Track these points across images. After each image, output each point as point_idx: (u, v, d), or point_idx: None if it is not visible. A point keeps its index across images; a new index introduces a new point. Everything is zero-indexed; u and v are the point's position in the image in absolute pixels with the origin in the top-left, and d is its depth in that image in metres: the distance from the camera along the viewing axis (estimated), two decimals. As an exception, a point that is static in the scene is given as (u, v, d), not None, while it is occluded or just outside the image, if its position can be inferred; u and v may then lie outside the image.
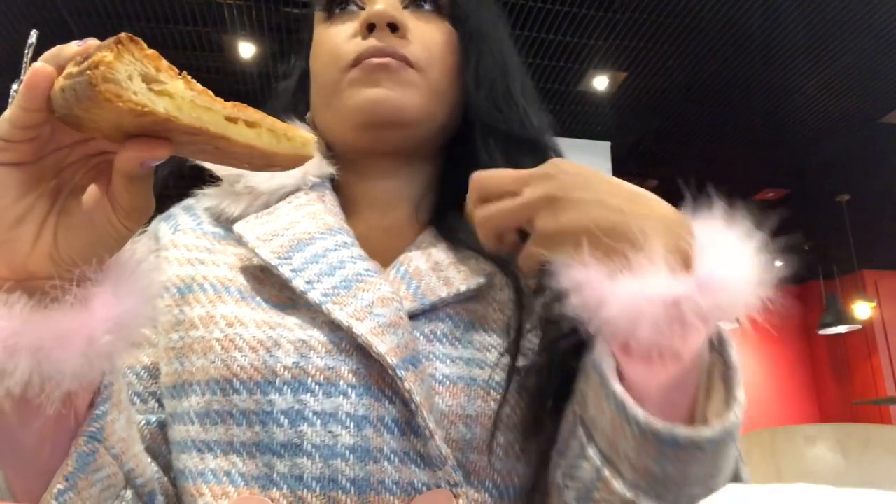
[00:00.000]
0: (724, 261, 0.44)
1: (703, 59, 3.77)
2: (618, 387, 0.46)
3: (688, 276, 0.43)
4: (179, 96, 0.37)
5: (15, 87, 0.45)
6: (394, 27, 0.65)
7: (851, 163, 5.05)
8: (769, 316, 0.44)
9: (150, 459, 0.61)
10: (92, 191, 0.43)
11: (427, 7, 0.69)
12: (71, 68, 0.37)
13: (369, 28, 0.65)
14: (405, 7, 0.69)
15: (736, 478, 0.51)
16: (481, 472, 0.56)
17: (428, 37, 0.68)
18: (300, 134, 0.44)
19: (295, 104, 0.76)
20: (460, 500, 0.53)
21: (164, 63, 0.38)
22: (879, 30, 3.52)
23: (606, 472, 0.49)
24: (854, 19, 3.42)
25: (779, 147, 4.84)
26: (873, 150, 4.86)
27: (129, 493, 0.54)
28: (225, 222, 0.67)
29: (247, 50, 3.66)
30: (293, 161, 0.45)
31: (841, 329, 6.24)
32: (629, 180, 0.50)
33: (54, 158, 0.42)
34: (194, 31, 3.49)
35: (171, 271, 0.65)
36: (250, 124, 0.41)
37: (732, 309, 0.44)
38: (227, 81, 3.93)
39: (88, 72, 0.34)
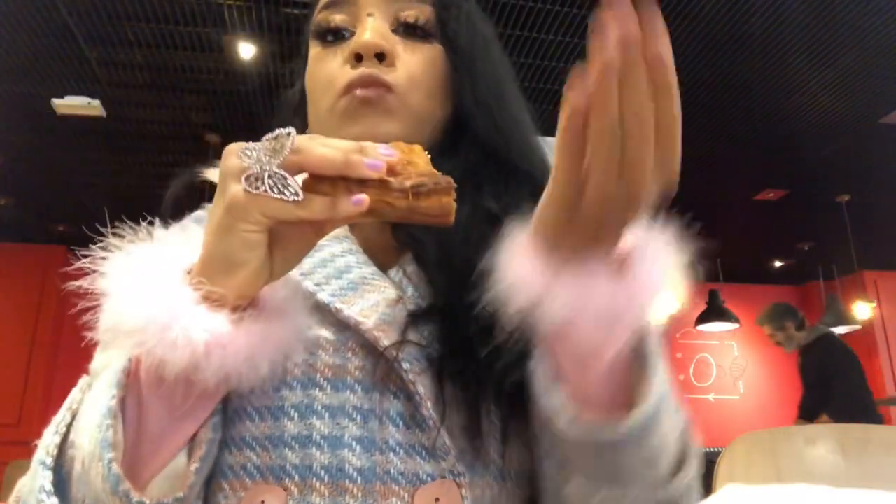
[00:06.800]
0: (656, 264, 0.46)
1: (703, 59, 3.77)
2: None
3: (624, 278, 0.45)
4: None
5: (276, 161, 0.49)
6: (381, 56, 0.68)
7: (851, 163, 5.05)
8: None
9: None
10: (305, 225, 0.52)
11: (415, 31, 0.71)
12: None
13: (357, 58, 0.68)
14: (394, 30, 0.70)
15: (684, 453, 0.53)
16: (484, 457, 0.58)
17: (412, 63, 0.69)
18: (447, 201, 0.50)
19: (295, 120, 0.79)
20: (463, 490, 0.55)
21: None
22: (879, 30, 3.52)
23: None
24: (854, 20, 3.42)
25: (779, 147, 4.84)
26: (873, 150, 4.86)
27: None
28: None
29: (247, 50, 3.65)
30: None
31: (841, 329, 6.23)
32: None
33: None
34: (194, 32, 3.49)
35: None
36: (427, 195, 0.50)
37: (655, 309, 0.47)
38: (227, 81, 3.93)
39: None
